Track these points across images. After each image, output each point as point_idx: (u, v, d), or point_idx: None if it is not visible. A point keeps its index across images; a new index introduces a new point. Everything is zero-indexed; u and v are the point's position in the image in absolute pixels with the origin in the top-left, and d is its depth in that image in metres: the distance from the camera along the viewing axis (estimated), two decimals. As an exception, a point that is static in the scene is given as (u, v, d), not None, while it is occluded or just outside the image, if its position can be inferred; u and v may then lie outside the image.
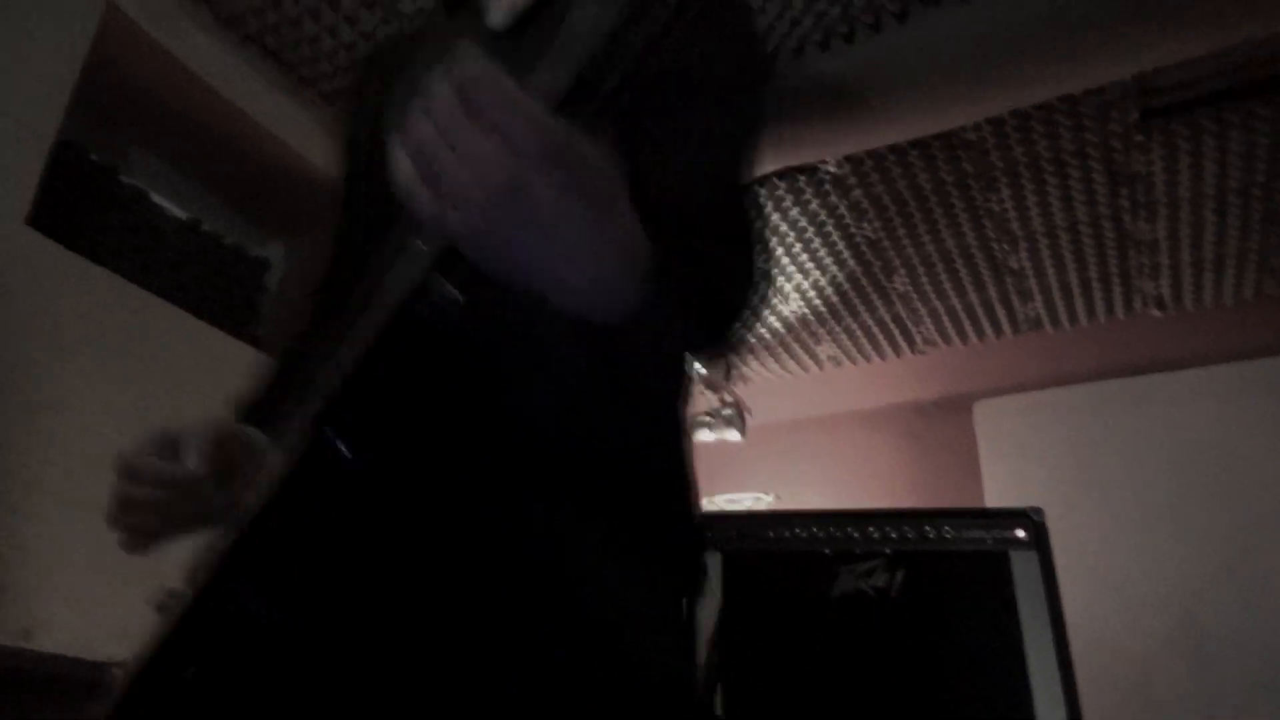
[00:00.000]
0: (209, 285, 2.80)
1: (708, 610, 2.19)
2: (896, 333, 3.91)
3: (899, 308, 3.72)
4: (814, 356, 4.12)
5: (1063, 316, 3.73)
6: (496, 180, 0.48)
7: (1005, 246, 3.29)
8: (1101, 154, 2.78)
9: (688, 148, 0.79)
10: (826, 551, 2.23)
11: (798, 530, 2.25)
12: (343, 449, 0.65)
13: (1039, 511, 2.17)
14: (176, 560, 0.82)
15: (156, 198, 2.72)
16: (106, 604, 1.91)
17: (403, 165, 0.50)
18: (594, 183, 0.51)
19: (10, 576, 1.75)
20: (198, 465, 0.83)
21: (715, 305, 0.72)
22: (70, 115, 2.05)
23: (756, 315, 0.78)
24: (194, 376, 2.23)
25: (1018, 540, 2.15)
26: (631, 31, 0.48)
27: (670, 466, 0.84)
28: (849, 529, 2.26)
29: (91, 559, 1.89)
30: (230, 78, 2.46)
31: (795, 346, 4.04)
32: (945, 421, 4.06)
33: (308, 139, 2.70)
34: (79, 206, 2.44)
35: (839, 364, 4.18)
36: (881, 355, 4.08)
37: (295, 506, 0.68)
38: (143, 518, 0.84)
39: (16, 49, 1.94)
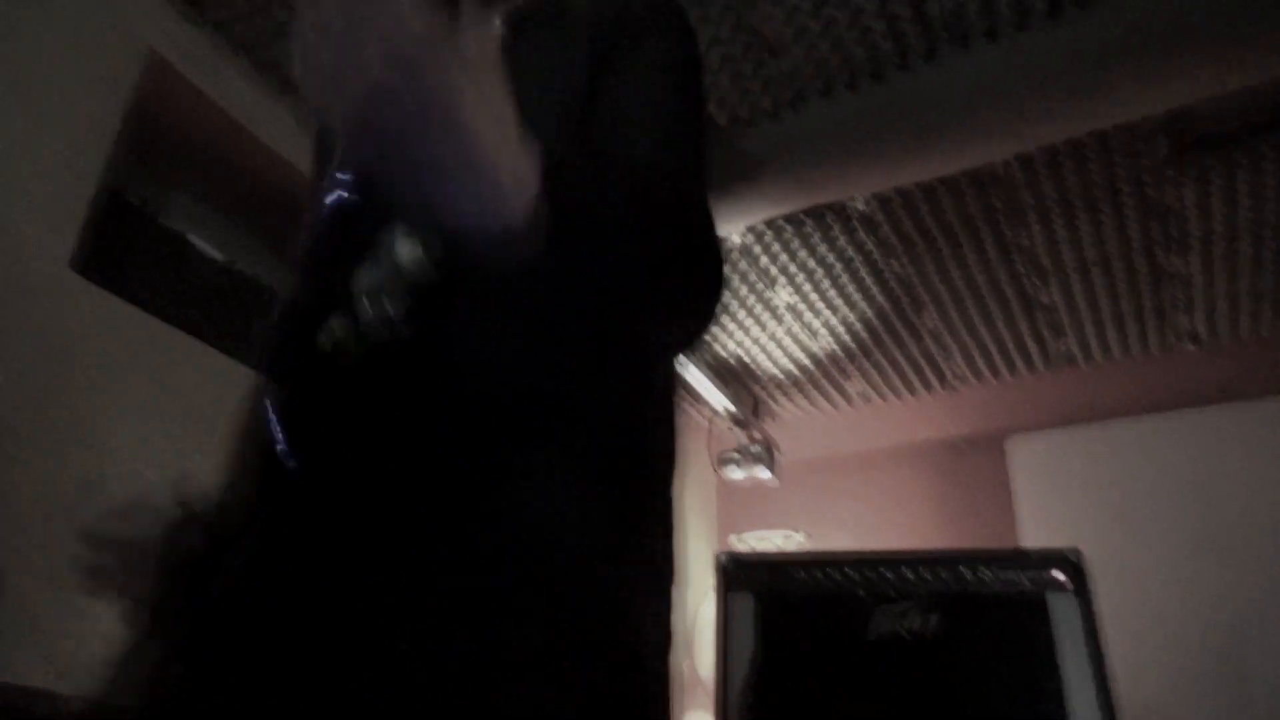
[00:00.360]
0: (242, 323, 2.84)
1: (742, 653, 2.17)
2: (927, 369, 3.89)
3: (929, 344, 3.70)
4: (844, 393, 4.10)
5: (1096, 351, 3.69)
6: (363, 64, 0.49)
7: (1036, 281, 3.27)
8: (1133, 188, 2.77)
9: (645, 113, 0.80)
10: (861, 594, 2.20)
11: (832, 573, 2.23)
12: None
13: (1077, 553, 2.14)
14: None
15: (194, 239, 2.77)
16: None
17: (298, 48, 0.51)
18: (451, 75, 0.50)
19: (46, 612, 1.76)
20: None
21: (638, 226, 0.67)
22: (112, 160, 2.10)
23: (711, 313, 0.74)
24: (226, 412, 2.26)
25: (1056, 583, 2.12)
26: None
27: (627, 403, 0.77)
28: (883, 571, 2.23)
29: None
30: (266, 122, 2.51)
31: (825, 383, 4.03)
32: (978, 458, 4.01)
33: (342, 181, 2.74)
34: (121, 249, 2.50)
35: (869, 400, 4.15)
36: (912, 391, 4.05)
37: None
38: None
39: (62, 97, 1.99)
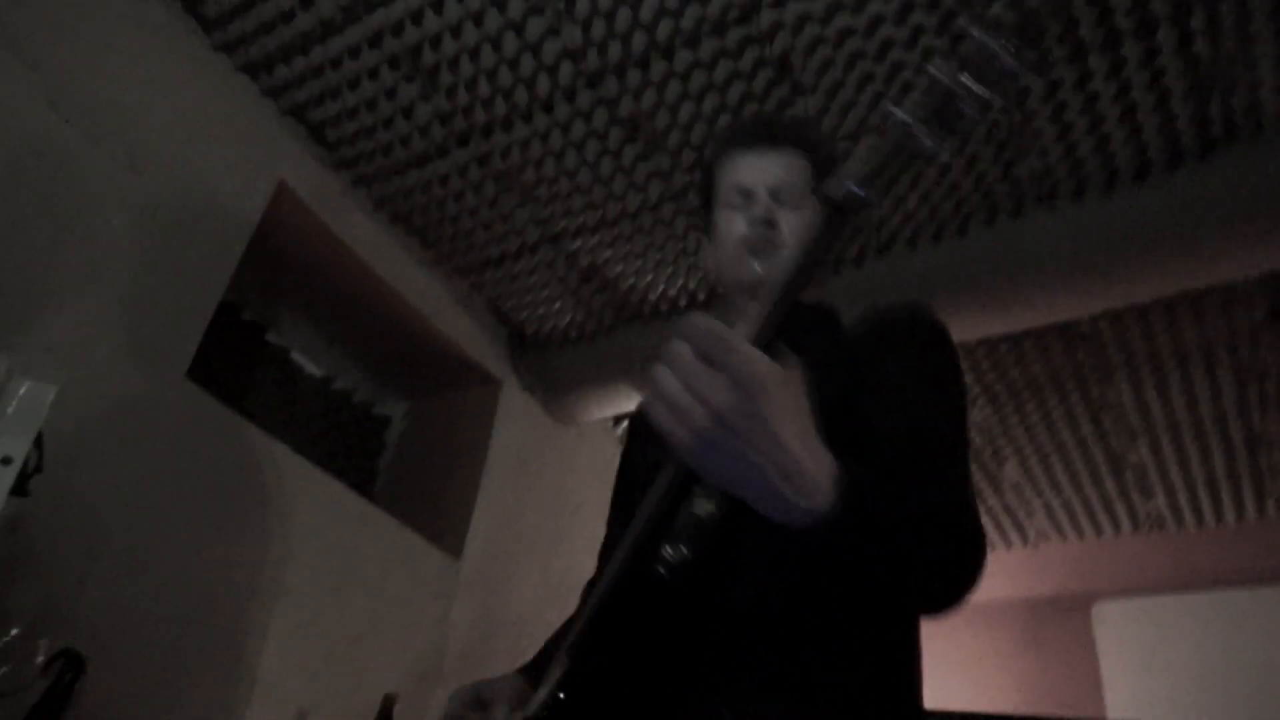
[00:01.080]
0: (336, 439, 2.95)
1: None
2: (1007, 523, 3.78)
3: (1009, 497, 3.61)
4: (919, 543, 3.99)
5: (1188, 516, 3.55)
6: (711, 410, 0.62)
7: (1124, 440, 3.20)
8: (1227, 349, 2.73)
9: (895, 409, 0.96)
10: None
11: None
12: (586, 676, 0.89)
13: (1174, 729, 2.01)
14: None
15: (296, 355, 2.92)
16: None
17: (646, 390, 0.67)
18: (780, 411, 0.64)
19: (133, 713, 1.79)
20: (503, 717, 1.03)
21: (919, 535, 0.81)
22: (233, 278, 2.25)
23: (976, 566, 0.85)
24: (319, 527, 2.32)
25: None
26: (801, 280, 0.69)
27: (887, 707, 0.93)
28: (963, 732, 2.12)
29: (209, 696, 1.93)
30: (377, 250, 2.67)
31: (900, 531, 3.93)
32: (1061, 621, 3.83)
33: (440, 308, 2.88)
34: (230, 360, 2.64)
35: (946, 552, 4.03)
36: (990, 546, 3.93)
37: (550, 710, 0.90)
38: None
39: (197, 215, 2.16)
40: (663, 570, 0.89)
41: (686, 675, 0.92)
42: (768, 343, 0.67)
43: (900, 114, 0.64)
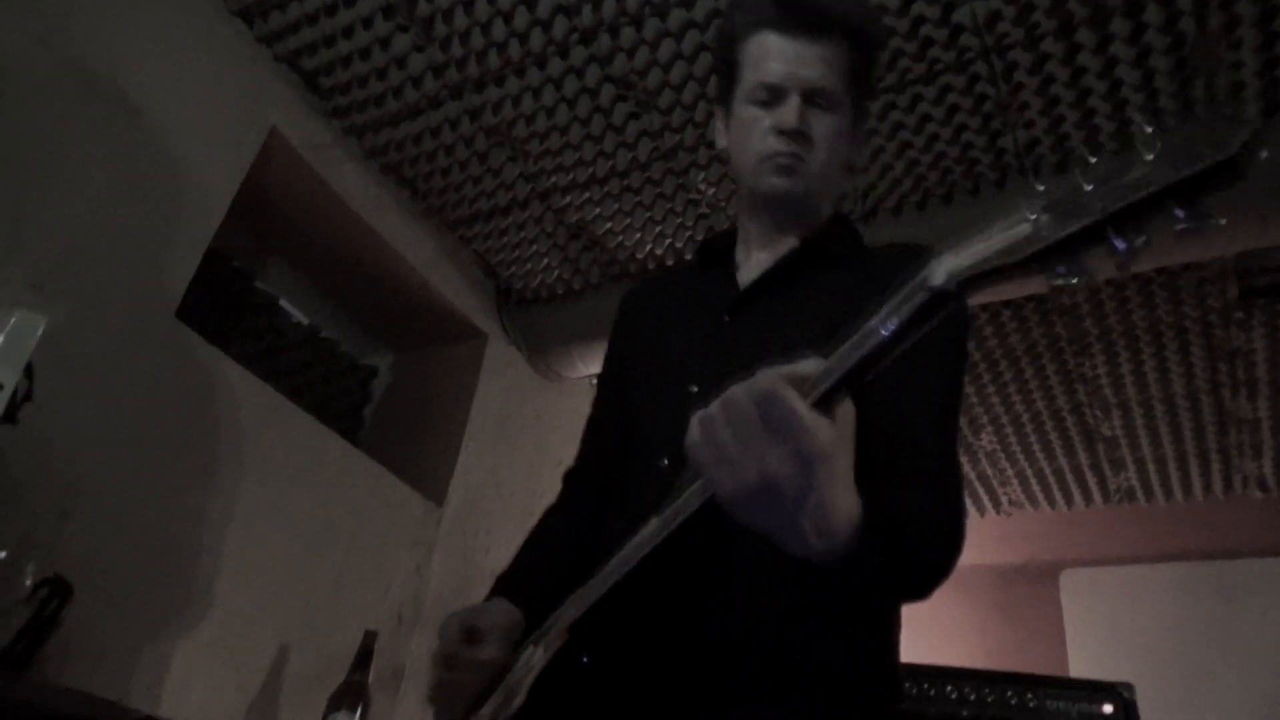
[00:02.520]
0: (322, 388, 2.98)
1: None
2: (982, 492, 3.85)
3: (985, 466, 3.68)
4: (895, 509, 4.06)
5: (1157, 490, 3.63)
6: (764, 474, 0.62)
7: (1098, 413, 3.26)
8: (1200, 328, 2.78)
9: (902, 389, 0.95)
10: (901, 709, 2.16)
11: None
12: (583, 657, 0.90)
13: (1130, 688, 2.09)
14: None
15: (284, 303, 2.94)
16: (197, 680, 1.98)
17: (694, 434, 0.66)
18: (832, 478, 0.64)
19: (116, 643, 1.84)
20: (499, 652, 1.02)
21: (919, 561, 0.86)
22: (222, 223, 2.26)
23: (953, 565, 0.90)
24: (304, 471, 2.36)
25: (1105, 716, 2.07)
26: (880, 363, 0.62)
27: (877, 679, 0.98)
28: (925, 686, 2.19)
29: (192, 629, 1.98)
30: (367, 201, 2.68)
31: (876, 497, 4.00)
32: (1030, 588, 3.92)
33: (428, 261, 2.90)
34: (218, 307, 2.66)
35: (920, 519, 4.10)
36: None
37: (548, 692, 0.91)
38: (455, 698, 1.03)
39: (187, 160, 2.17)
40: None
41: (678, 662, 0.95)
42: (832, 403, 0.64)
43: (1051, 230, 0.53)
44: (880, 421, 0.91)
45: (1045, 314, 2.84)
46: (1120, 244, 0.51)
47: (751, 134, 1.15)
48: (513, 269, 3.07)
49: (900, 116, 2.30)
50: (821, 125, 1.13)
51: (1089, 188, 0.52)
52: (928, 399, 0.98)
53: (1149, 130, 0.51)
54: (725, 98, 1.24)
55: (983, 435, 3.49)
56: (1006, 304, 2.80)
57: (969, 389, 3.24)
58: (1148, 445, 3.38)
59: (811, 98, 1.12)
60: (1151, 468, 3.50)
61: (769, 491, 0.63)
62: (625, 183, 2.64)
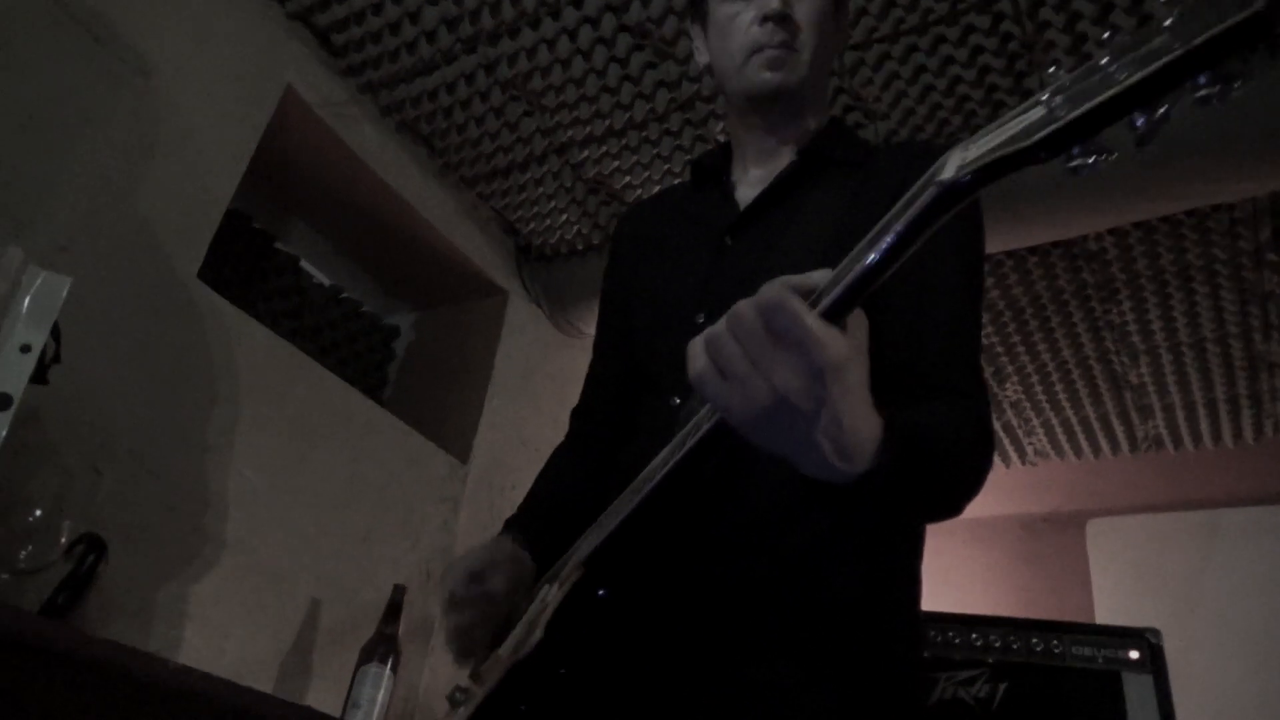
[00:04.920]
0: (345, 348, 3.00)
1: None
2: (1007, 442, 3.83)
3: (1010, 416, 3.66)
4: (919, 461, 4.05)
5: (1186, 438, 3.59)
6: (774, 390, 0.59)
7: (1125, 360, 3.22)
8: (1230, 271, 2.73)
9: (917, 291, 0.92)
10: (927, 655, 2.18)
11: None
12: (600, 591, 0.89)
13: (1156, 633, 2.09)
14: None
15: (305, 264, 2.95)
16: (232, 634, 2.02)
17: (699, 358, 0.62)
18: (846, 391, 0.60)
19: (152, 598, 1.88)
20: (503, 584, 1.01)
21: (947, 474, 0.82)
22: (241, 184, 2.27)
23: (983, 479, 0.86)
24: (331, 430, 2.38)
25: (1131, 661, 2.06)
26: (891, 267, 0.58)
27: (899, 619, 0.95)
28: (950, 634, 2.20)
29: (224, 585, 2.02)
30: (384, 159, 2.68)
31: (901, 449, 3.99)
32: (1056, 537, 3.92)
33: (447, 219, 2.89)
34: (240, 268, 2.67)
35: (945, 470, 4.09)
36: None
37: (565, 626, 0.89)
38: (472, 640, 1.03)
39: (205, 120, 2.17)
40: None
41: (696, 600, 0.93)
42: (843, 313, 0.60)
43: (1066, 109, 0.49)
44: (897, 332, 0.89)
45: (1072, 259, 2.79)
46: (1139, 118, 0.47)
47: (733, 31, 1.09)
48: (532, 225, 3.06)
49: (923, 59, 2.25)
50: (806, 8, 1.07)
51: (1104, 61, 0.49)
52: (946, 306, 0.95)
53: None
54: (698, 6, 1.18)
55: (1008, 385, 3.46)
56: (1032, 250, 2.76)
57: (995, 337, 3.21)
58: (1176, 392, 3.34)
59: None
60: (1180, 414, 3.46)
61: (781, 408, 0.59)
62: (643, 135, 2.61)
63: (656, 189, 2.80)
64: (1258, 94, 2.11)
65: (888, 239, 0.57)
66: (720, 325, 0.61)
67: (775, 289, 0.59)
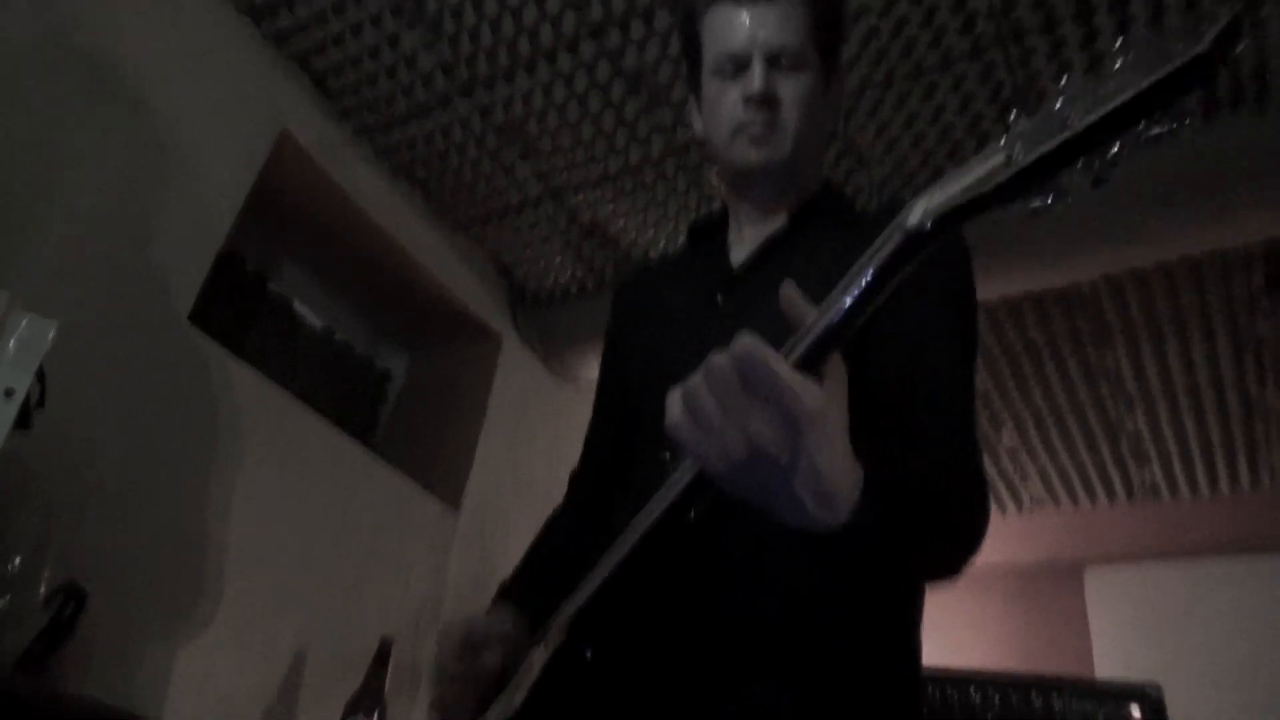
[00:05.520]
0: (337, 390, 2.97)
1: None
2: (1003, 489, 3.81)
3: (1006, 463, 3.63)
4: (915, 507, 4.01)
5: (1183, 485, 3.57)
6: (750, 441, 0.59)
7: (1121, 407, 3.21)
8: (1224, 317, 2.73)
9: (907, 344, 0.91)
10: (924, 713, 2.13)
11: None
12: (585, 651, 0.86)
13: (1157, 688, 2.05)
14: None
15: (298, 306, 2.93)
16: (215, 685, 1.97)
17: (675, 409, 0.63)
18: (823, 441, 0.60)
19: (132, 647, 1.83)
20: (496, 661, 1.00)
21: (937, 529, 0.80)
22: (234, 226, 2.26)
23: (982, 535, 0.84)
24: (320, 474, 2.35)
25: (1132, 719, 2.02)
26: (863, 313, 0.59)
27: (891, 665, 0.93)
28: (948, 689, 2.16)
29: (207, 634, 1.97)
30: (379, 202, 2.67)
31: (896, 495, 3.95)
32: (1054, 586, 3.87)
33: (442, 262, 2.89)
34: (231, 309, 2.65)
35: (941, 517, 4.05)
36: (986, 511, 3.95)
37: (550, 689, 0.88)
38: (458, 709, 1.01)
39: (199, 160, 2.17)
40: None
41: (685, 646, 0.92)
42: (817, 362, 0.61)
43: (1024, 154, 0.51)
44: (886, 384, 0.88)
45: (1066, 305, 2.79)
46: (1094, 159, 0.49)
47: (720, 108, 1.11)
48: (526, 269, 3.05)
49: (916, 107, 2.26)
50: (790, 87, 1.08)
51: (1058, 106, 0.51)
52: (936, 357, 0.93)
53: (1118, 44, 0.49)
54: (693, 79, 1.20)
55: (1003, 432, 3.45)
56: (1026, 296, 2.75)
57: (989, 383, 3.20)
58: (1172, 439, 3.32)
59: (775, 60, 1.08)
60: (1176, 462, 3.44)
61: (757, 460, 0.60)
62: (638, 179, 2.62)
63: (651, 233, 2.81)
64: (1249, 139, 2.12)
65: (856, 287, 0.58)
66: (696, 377, 0.61)
67: (748, 340, 0.59)
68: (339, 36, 2.34)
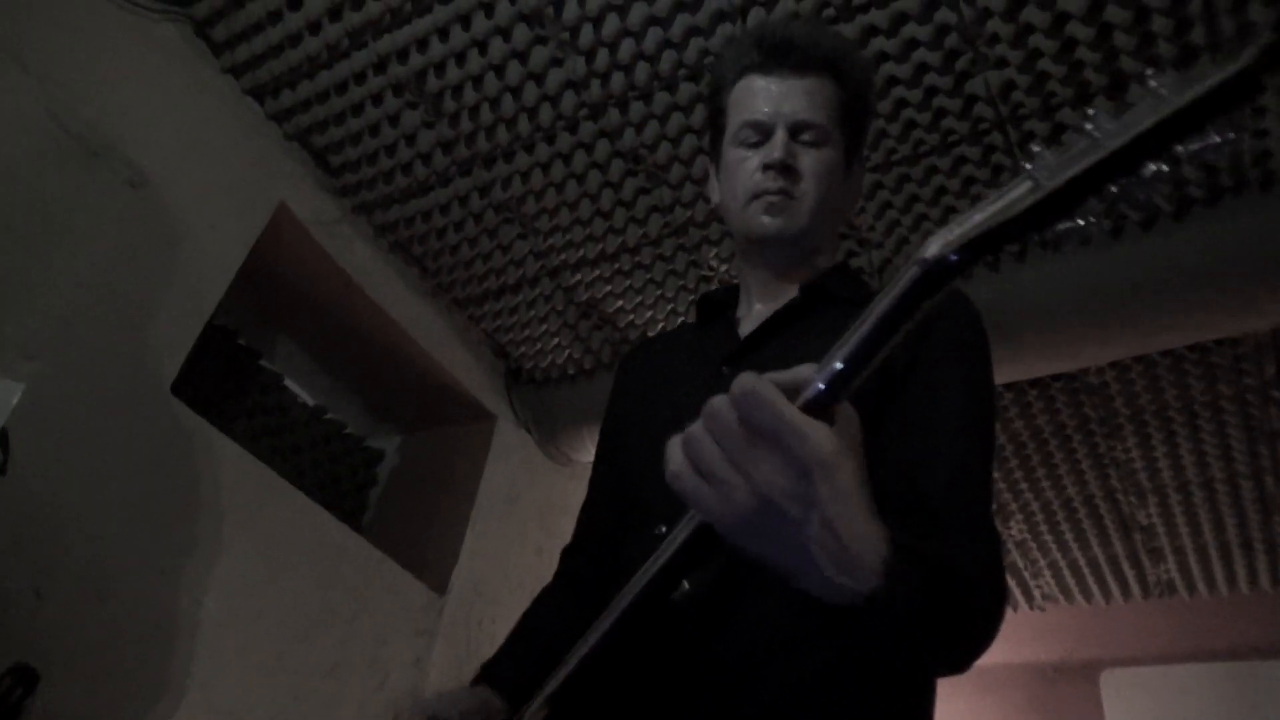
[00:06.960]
0: (327, 470, 2.90)
1: None
2: (1014, 584, 3.67)
3: (1016, 556, 3.51)
4: (922, 602, 3.88)
5: (1200, 583, 3.44)
6: (757, 490, 0.54)
7: (1133, 499, 3.11)
8: (1236, 408, 2.66)
9: (926, 435, 0.87)
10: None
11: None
12: None
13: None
14: None
15: (289, 383, 2.89)
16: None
17: (675, 457, 0.58)
18: (838, 493, 0.55)
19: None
20: None
21: (962, 612, 0.74)
22: (226, 298, 2.23)
23: (999, 624, 0.78)
24: (300, 554, 2.26)
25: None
26: (878, 353, 0.54)
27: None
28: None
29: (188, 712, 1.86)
30: (375, 279, 2.65)
31: (902, 589, 3.82)
32: (1069, 687, 3.70)
33: (437, 340, 2.85)
34: (222, 384, 2.61)
35: (949, 613, 3.91)
36: (996, 607, 3.81)
37: None
38: None
39: (192, 234, 2.14)
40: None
41: None
42: (827, 405, 0.56)
43: (1046, 180, 0.49)
44: (899, 461, 0.83)
45: (1074, 393, 2.73)
46: (1126, 181, 0.47)
47: (739, 174, 1.11)
48: (523, 348, 3.01)
49: (915, 189, 2.25)
50: (810, 160, 1.08)
51: (1089, 126, 0.49)
52: (953, 435, 0.87)
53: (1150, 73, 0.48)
54: (715, 148, 1.21)
55: (1012, 524, 3.34)
56: (1033, 383, 2.70)
57: (996, 473, 3.11)
58: (1187, 534, 3.21)
59: (798, 132, 1.08)
60: (1192, 558, 3.32)
61: (765, 512, 0.54)
62: (636, 259, 2.60)
63: (649, 314, 2.77)
64: (1258, 226, 2.10)
65: (870, 322, 0.54)
66: (696, 424, 0.57)
67: (749, 377, 0.54)
68: (340, 114, 2.36)
